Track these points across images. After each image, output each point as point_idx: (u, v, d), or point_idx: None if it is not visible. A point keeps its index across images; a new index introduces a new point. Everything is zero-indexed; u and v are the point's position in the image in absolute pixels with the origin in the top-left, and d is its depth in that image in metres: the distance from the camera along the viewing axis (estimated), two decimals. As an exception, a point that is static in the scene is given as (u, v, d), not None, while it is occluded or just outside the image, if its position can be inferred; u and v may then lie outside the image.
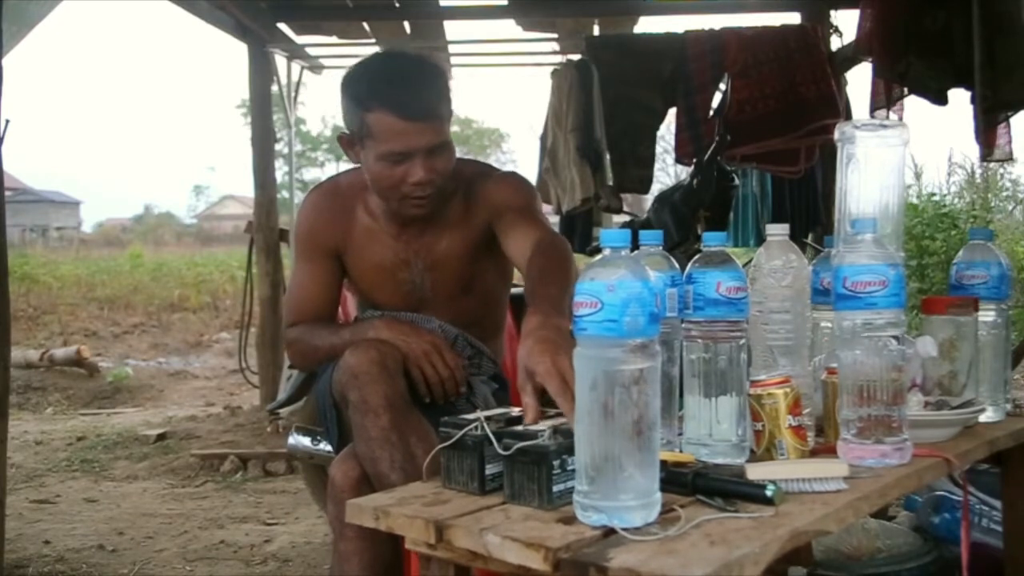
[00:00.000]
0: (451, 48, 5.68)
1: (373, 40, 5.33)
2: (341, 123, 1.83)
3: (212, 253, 16.73)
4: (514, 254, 1.81)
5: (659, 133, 4.43)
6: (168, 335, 9.59)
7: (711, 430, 1.32)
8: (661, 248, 1.39)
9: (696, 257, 1.36)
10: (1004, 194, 8.85)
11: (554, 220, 3.90)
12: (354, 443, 1.64)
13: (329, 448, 2.62)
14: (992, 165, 7.51)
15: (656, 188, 4.50)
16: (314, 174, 30.27)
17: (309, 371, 2.01)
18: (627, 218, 3.94)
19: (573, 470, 1.11)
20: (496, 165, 2.10)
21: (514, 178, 1.95)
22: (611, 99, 4.10)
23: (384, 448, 1.58)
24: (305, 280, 1.91)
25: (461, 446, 1.25)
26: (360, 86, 1.73)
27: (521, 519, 1.11)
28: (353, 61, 1.85)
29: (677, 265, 1.37)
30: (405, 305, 1.88)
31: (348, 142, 1.79)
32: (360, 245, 1.88)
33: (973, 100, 3.10)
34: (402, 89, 1.69)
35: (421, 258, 1.87)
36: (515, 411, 1.32)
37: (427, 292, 1.89)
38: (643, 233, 1.40)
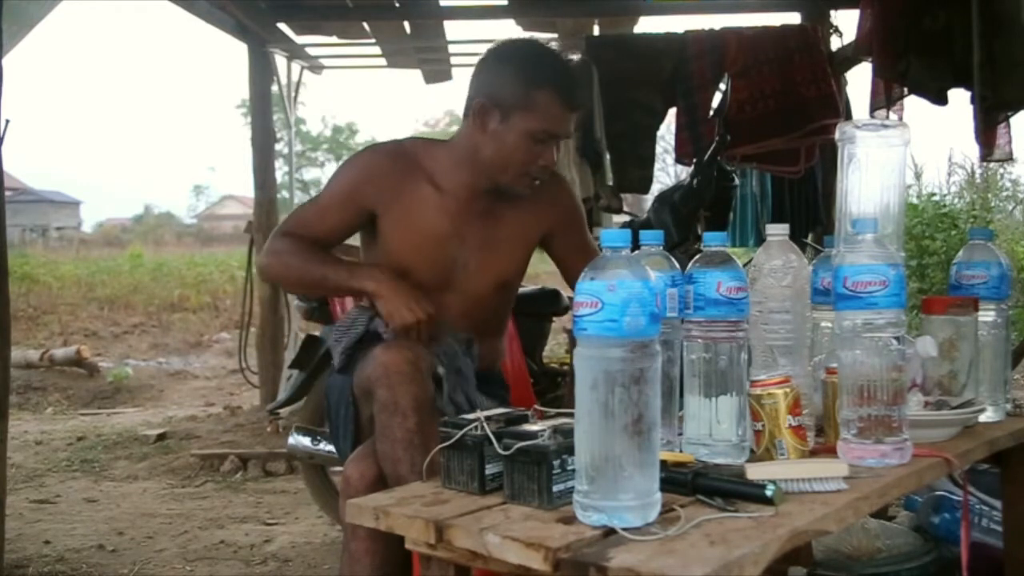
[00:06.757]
0: (451, 48, 5.68)
1: (373, 40, 5.33)
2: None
3: (212, 253, 16.69)
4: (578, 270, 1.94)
5: (659, 133, 4.43)
6: (168, 335, 9.59)
7: (711, 430, 1.32)
8: (661, 248, 1.39)
9: (696, 257, 1.36)
10: (1004, 194, 8.86)
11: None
12: (376, 441, 1.63)
13: (329, 448, 2.63)
14: (992, 165, 7.51)
15: (656, 188, 4.48)
16: (314, 174, 30.19)
17: (278, 283, 1.98)
18: (627, 218, 3.94)
19: (573, 470, 1.11)
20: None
21: (569, 185, 2.10)
22: (611, 99, 4.10)
23: (407, 450, 1.57)
24: (327, 214, 1.90)
25: (461, 446, 1.25)
26: (535, 61, 1.82)
27: (521, 519, 1.11)
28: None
29: (677, 265, 1.37)
30: (437, 280, 1.88)
31: (486, 109, 1.81)
32: (409, 210, 1.87)
33: (973, 100, 3.10)
34: (572, 80, 1.84)
35: (479, 235, 1.89)
36: (515, 411, 1.33)
37: (465, 273, 1.89)
38: (643, 233, 1.40)
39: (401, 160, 1.89)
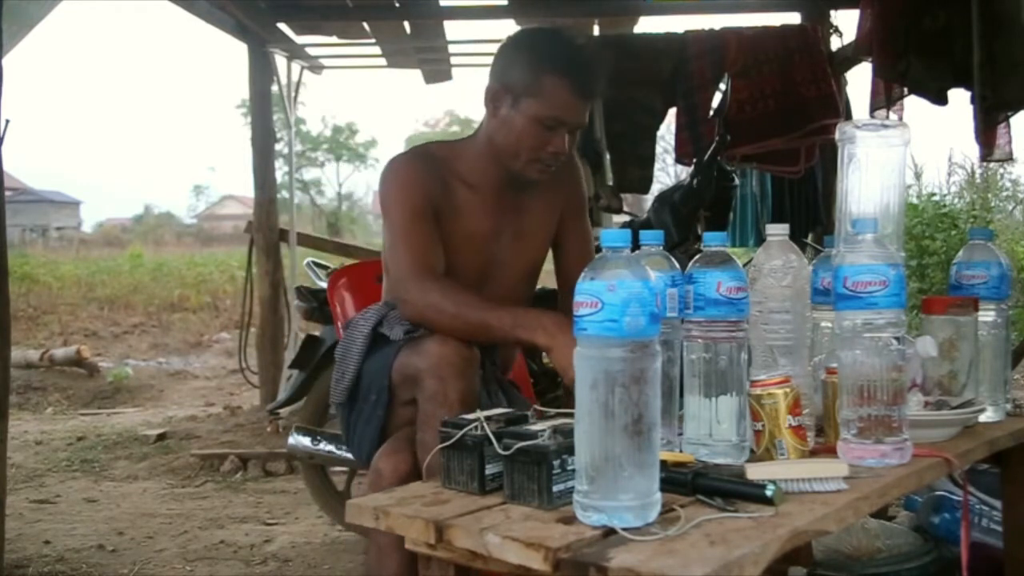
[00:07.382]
0: (451, 48, 5.67)
1: (373, 40, 5.32)
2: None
3: (212, 253, 16.70)
4: (575, 261, 1.96)
5: (659, 133, 4.43)
6: (168, 335, 9.59)
7: (711, 430, 1.32)
8: (661, 248, 1.40)
9: (696, 257, 1.36)
10: (1004, 194, 8.86)
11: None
12: (417, 430, 1.63)
13: (329, 448, 2.62)
14: (992, 165, 7.51)
15: (656, 188, 4.49)
16: (314, 174, 30.16)
17: (432, 328, 1.76)
18: (627, 218, 3.94)
19: (573, 470, 1.11)
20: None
21: (579, 171, 2.08)
22: (611, 99, 4.09)
23: None
24: (422, 230, 1.81)
25: (461, 446, 1.25)
26: (548, 47, 1.80)
27: (521, 519, 1.11)
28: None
29: (677, 265, 1.38)
30: (476, 277, 1.89)
31: (498, 93, 1.82)
32: (456, 213, 1.86)
33: (973, 100, 3.10)
34: (584, 67, 1.79)
35: (512, 227, 1.91)
36: (515, 411, 1.33)
37: (500, 267, 1.91)
38: (643, 233, 1.40)
39: (434, 164, 1.88)
